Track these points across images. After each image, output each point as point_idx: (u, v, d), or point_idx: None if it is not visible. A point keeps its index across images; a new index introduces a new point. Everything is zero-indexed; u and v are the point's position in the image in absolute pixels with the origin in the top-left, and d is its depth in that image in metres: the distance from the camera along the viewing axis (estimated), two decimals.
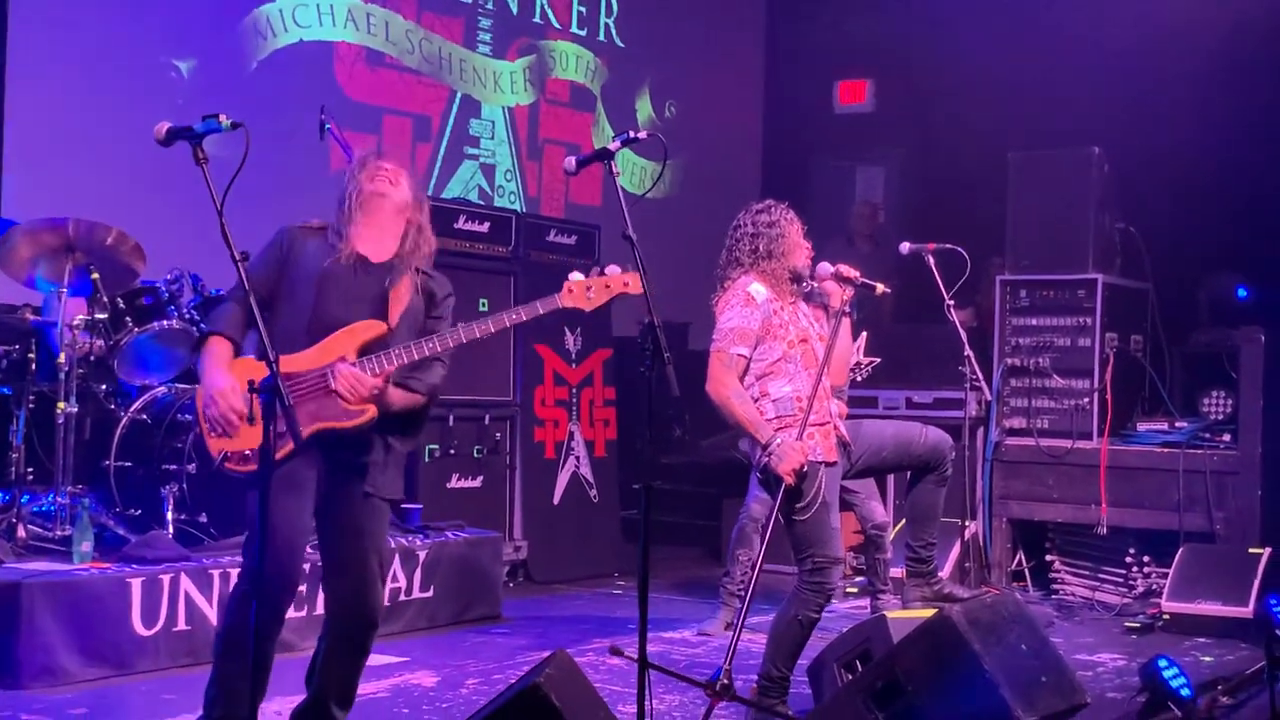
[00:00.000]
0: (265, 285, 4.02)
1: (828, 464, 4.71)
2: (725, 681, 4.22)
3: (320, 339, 3.99)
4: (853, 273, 4.95)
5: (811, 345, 4.83)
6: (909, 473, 5.60)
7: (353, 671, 4.26)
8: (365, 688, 5.13)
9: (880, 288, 4.99)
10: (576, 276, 4.07)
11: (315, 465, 4.04)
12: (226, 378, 3.93)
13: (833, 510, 4.73)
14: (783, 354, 4.76)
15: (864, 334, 7.50)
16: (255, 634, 3.51)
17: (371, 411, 3.96)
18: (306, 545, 4.20)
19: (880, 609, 6.34)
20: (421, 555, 6.52)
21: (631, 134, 4.08)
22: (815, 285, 4.96)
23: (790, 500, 4.63)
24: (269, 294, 4.03)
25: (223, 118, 3.33)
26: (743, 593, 6.69)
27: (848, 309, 4.92)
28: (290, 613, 5.78)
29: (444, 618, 6.62)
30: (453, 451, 7.58)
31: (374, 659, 5.68)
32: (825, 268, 4.95)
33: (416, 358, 3.99)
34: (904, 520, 7.99)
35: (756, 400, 4.74)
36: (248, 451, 3.94)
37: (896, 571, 6.46)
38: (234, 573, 5.42)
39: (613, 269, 4.08)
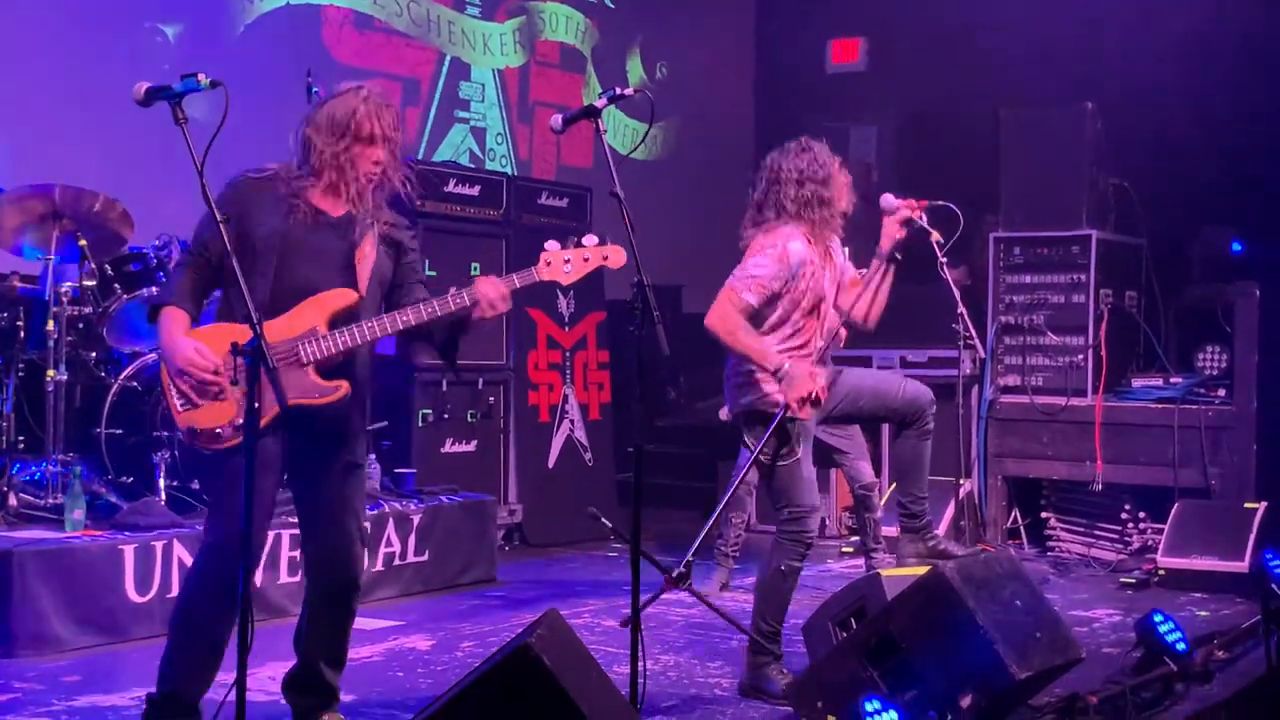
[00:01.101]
0: (220, 247, 3.68)
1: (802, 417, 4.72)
2: (683, 570, 4.27)
3: (287, 306, 3.84)
4: (918, 214, 4.86)
5: (820, 315, 4.81)
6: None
7: (341, 632, 4.20)
8: (360, 651, 5.15)
9: (936, 235, 4.91)
10: (554, 246, 3.93)
11: (282, 440, 3.91)
12: (190, 342, 3.78)
13: (806, 461, 4.72)
14: (784, 317, 4.75)
15: None
16: (241, 600, 3.37)
17: (345, 388, 3.87)
18: (269, 524, 4.14)
19: (875, 567, 6.34)
20: (416, 519, 6.51)
21: (619, 91, 4.03)
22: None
23: (770, 445, 4.62)
24: (221, 252, 3.71)
25: (201, 77, 3.27)
26: (736, 553, 6.71)
27: (898, 254, 4.84)
28: (284, 578, 5.83)
29: (438, 581, 6.61)
30: (446, 416, 7.57)
31: (368, 623, 5.70)
32: (890, 201, 4.88)
33: (390, 331, 3.88)
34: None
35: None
36: (219, 429, 3.80)
37: (891, 530, 6.46)
38: None
39: (591, 239, 3.95)
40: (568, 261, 3.91)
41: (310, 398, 3.84)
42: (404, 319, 3.87)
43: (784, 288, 4.71)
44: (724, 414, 4.96)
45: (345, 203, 3.93)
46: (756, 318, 4.73)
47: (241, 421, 3.65)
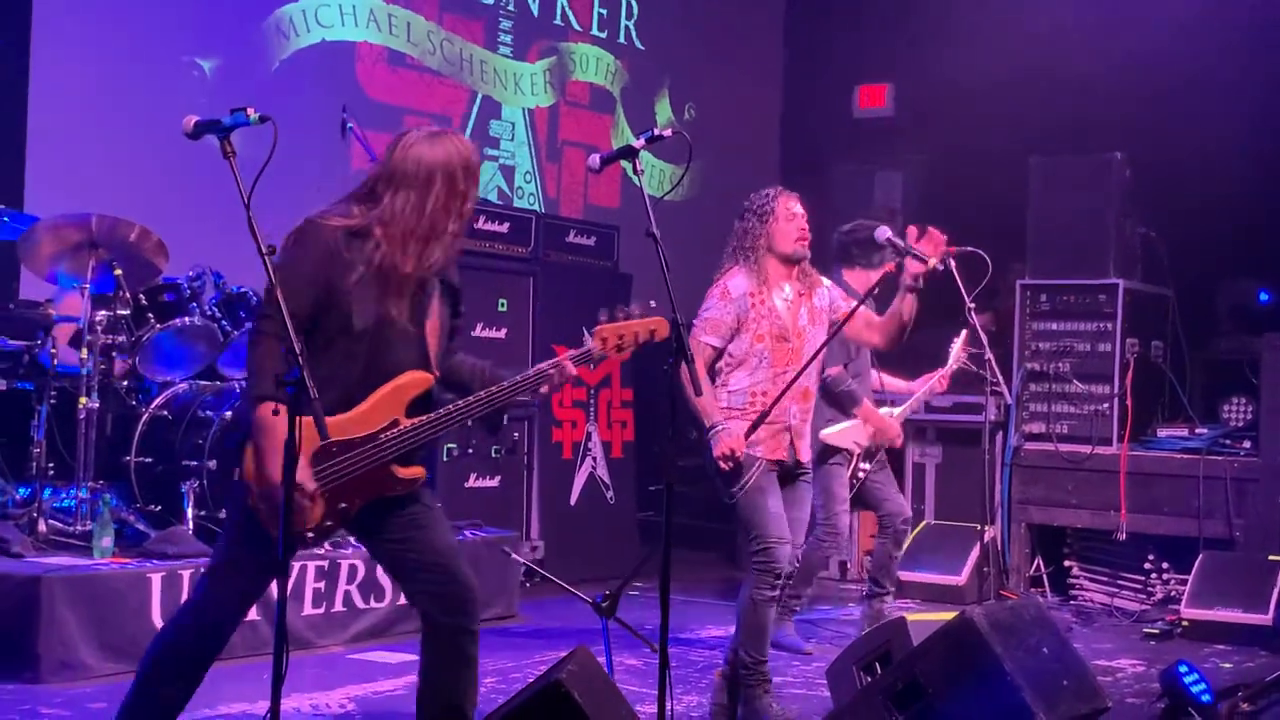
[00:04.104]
0: (309, 307, 3.44)
1: (768, 461, 4.84)
2: (605, 600, 4.55)
3: (366, 390, 3.56)
4: (895, 240, 4.86)
5: (792, 344, 4.88)
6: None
7: (467, 684, 3.71)
8: (382, 685, 5.16)
9: (932, 262, 4.70)
10: (604, 321, 3.80)
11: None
12: (305, 467, 3.41)
13: (769, 495, 4.81)
14: (749, 348, 4.86)
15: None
16: (277, 627, 3.17)
17: (422, 474, 3.67)
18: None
19: (880, 609, 6.33)
20: None
21: (655, 132, 4.07)
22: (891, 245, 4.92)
23: (723, 484, 4.82)
24: (311, 316, 3.46)
25: (250, 111, 3.30)
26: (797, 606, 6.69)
27: (916, 283, 4.77)
28: (308, 610, 5.85)
29: None
30: (471, 451, 7.59)
31: (389, 656, 5.72)
32: (883, 233, 4.98)
33: (474, 415, 3.72)
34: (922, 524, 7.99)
35: (717, 389, 4.90)
36: (308, 533, 3.54)
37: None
38: None
39: (635, 309, 3.83)
40: (621, 337, 3.79)
41: (394, 491, 3.63)
42: (484, 402, 3.71)
43: (738, 321, 4.86)
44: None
45: (426, 260, 3.60)
46: (730, 357, 4.88)
47: (330, 523, 3.51)
